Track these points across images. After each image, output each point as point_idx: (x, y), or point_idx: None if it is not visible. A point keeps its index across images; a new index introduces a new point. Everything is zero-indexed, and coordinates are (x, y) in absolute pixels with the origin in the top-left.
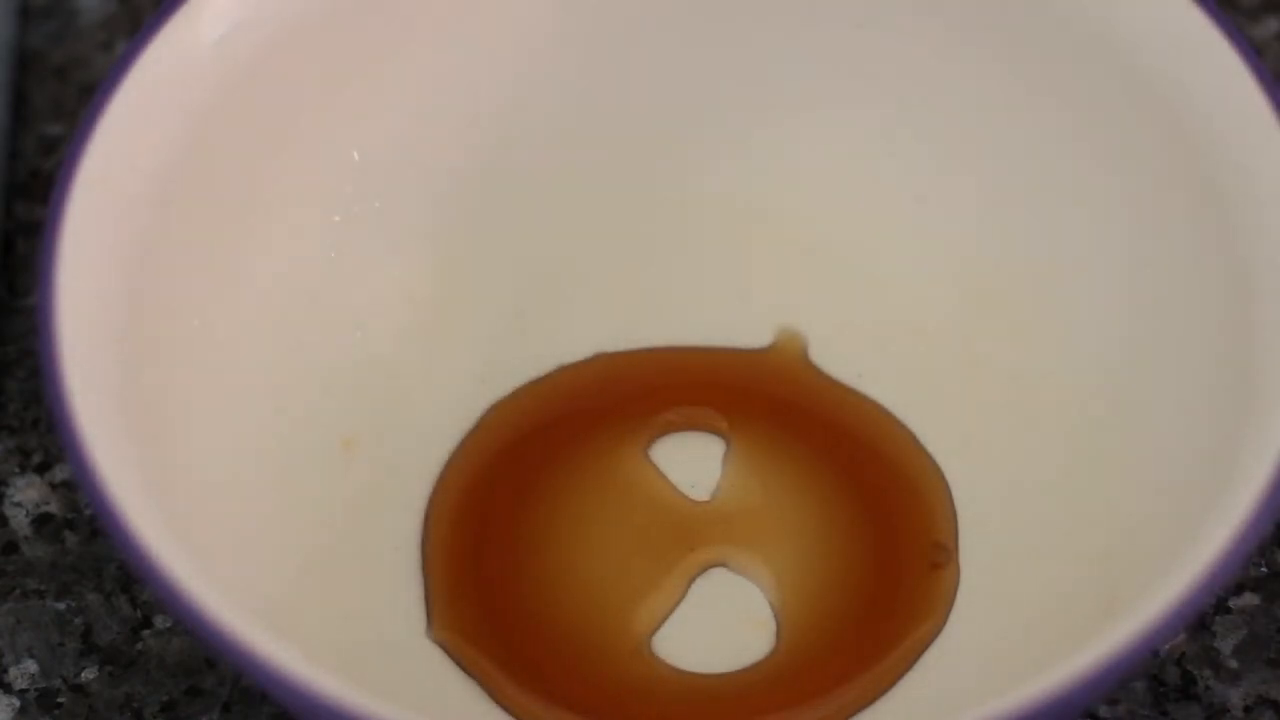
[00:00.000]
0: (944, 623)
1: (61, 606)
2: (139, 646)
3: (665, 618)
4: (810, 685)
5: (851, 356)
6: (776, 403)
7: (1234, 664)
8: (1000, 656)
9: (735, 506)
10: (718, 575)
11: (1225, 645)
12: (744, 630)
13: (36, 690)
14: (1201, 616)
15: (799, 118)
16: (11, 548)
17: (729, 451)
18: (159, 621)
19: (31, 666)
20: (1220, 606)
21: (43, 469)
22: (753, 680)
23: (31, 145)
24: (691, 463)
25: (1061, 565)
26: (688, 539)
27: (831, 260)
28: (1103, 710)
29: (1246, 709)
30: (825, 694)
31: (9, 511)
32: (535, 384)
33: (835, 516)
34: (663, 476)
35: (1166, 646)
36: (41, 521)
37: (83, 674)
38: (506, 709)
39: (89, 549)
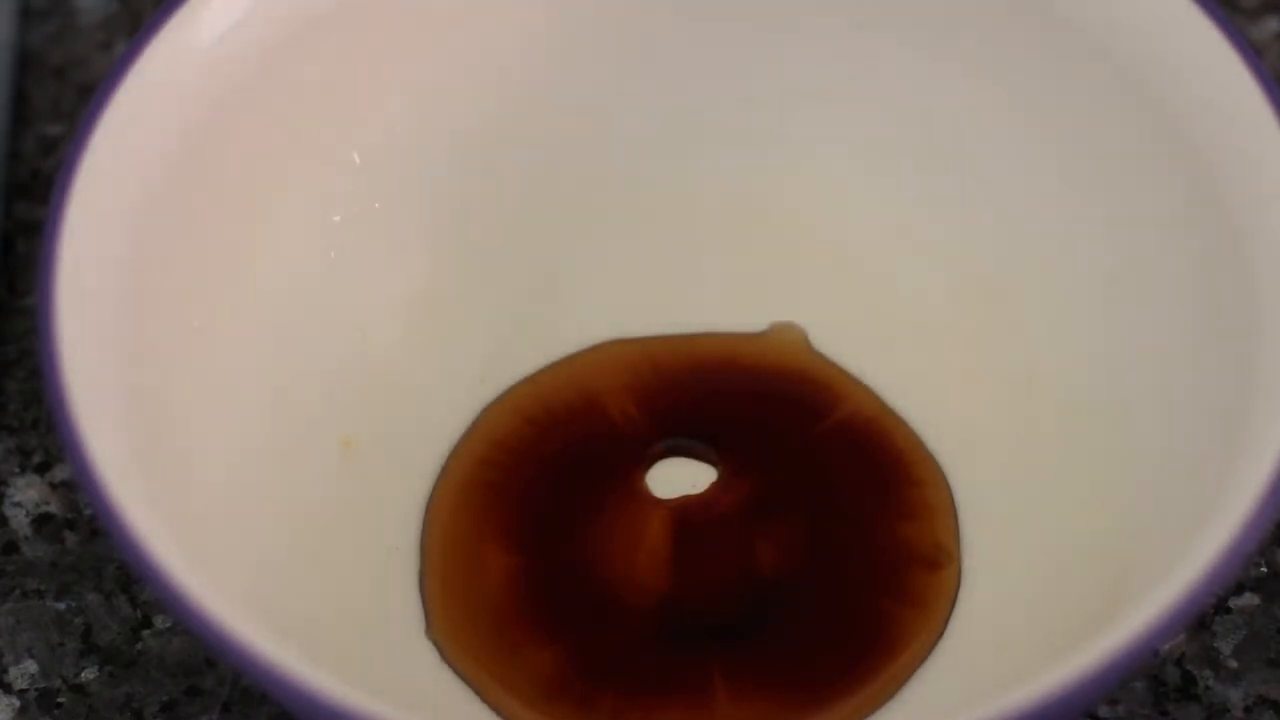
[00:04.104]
0: (945, 624)
1: (61, 606)
2: (139, 646)
3: (669, 618)
4: (813, 689)
5: (851, 355)
6: (776, 392)
7: (1234, 664)
8: (1001, 657)
9: (735, 505)
10: (718, 576)
11: (1225, 645)
12: (744, 634)
13: (36, 690)
14: (1201, 616)
15: (799, 117)
16: (11, 548)
17: (727, 447)
18: (159, 621)
19: (31, 666)
20: (1220, 606)
21: (43, 469)
22: (754, 685)
23: (31, 145)
24: (691, 460)
25: (1061, 565)
26: (689, 538)
27: (831, 258)
28: (1103, 710)
29: (1246, 709)
30: (829, 700)
31: (9, 511)
32: (534, 383)
33: (835, 516)
34: (662, 474)
35: (1166, 646)
36: (41, 521)
37: (83, 674)
38: (501, 712)
39: (89, 549)
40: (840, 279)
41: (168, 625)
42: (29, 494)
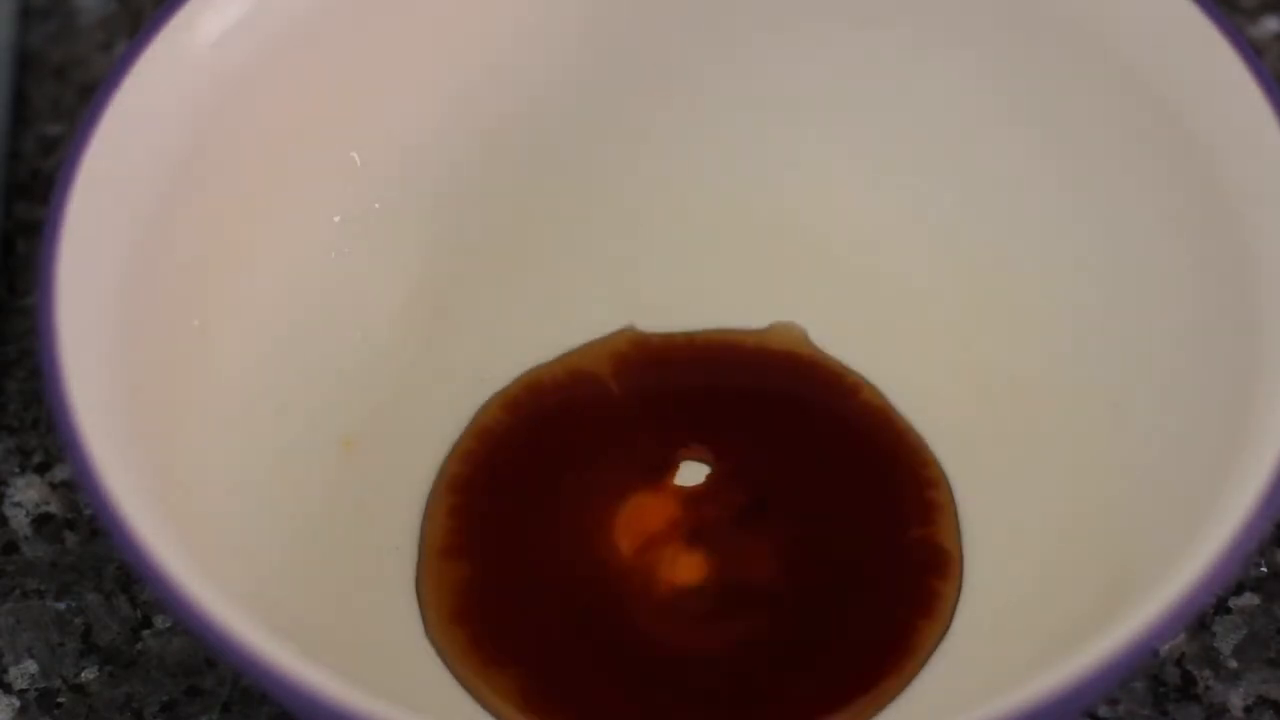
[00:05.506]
0: (948, 626)
1: (61, 606)
2: (139, 646)
3: (669, 618)
4: (816, 691)
5: (851, 354)
6: (778, 391)
7: (1234, 664)
8: (1001, 657)
9: (738, 505)
10: (719, 576)
11: (1225, 645)
12: (745, 635)
13: (36, 690)
14: (1201, 616)
15: (799, 116)
16: (11, 548)
17: (729, 447)
18: (159, 621)
19: (31, 666)
20: (1220, 606)
21: (43, 469)
22: (756, 689)
23: (31, 145)
24: (693, 461)
25: (1061, 565)
26: (690, 538)
27: (831, 258)
28: (1103, 710)
29: (1246, 709)
30: (832, 701)
31: (9, 511)
32: (532, 382)
33: (838, 517)
34: (664, 474)
35: (1166, 646)
36: (41, 521)
37: (83, 674)
38: (498, 713)
39: (89, 549)
40: (840, 279)
41: (168, 625)
42: (29, 494)
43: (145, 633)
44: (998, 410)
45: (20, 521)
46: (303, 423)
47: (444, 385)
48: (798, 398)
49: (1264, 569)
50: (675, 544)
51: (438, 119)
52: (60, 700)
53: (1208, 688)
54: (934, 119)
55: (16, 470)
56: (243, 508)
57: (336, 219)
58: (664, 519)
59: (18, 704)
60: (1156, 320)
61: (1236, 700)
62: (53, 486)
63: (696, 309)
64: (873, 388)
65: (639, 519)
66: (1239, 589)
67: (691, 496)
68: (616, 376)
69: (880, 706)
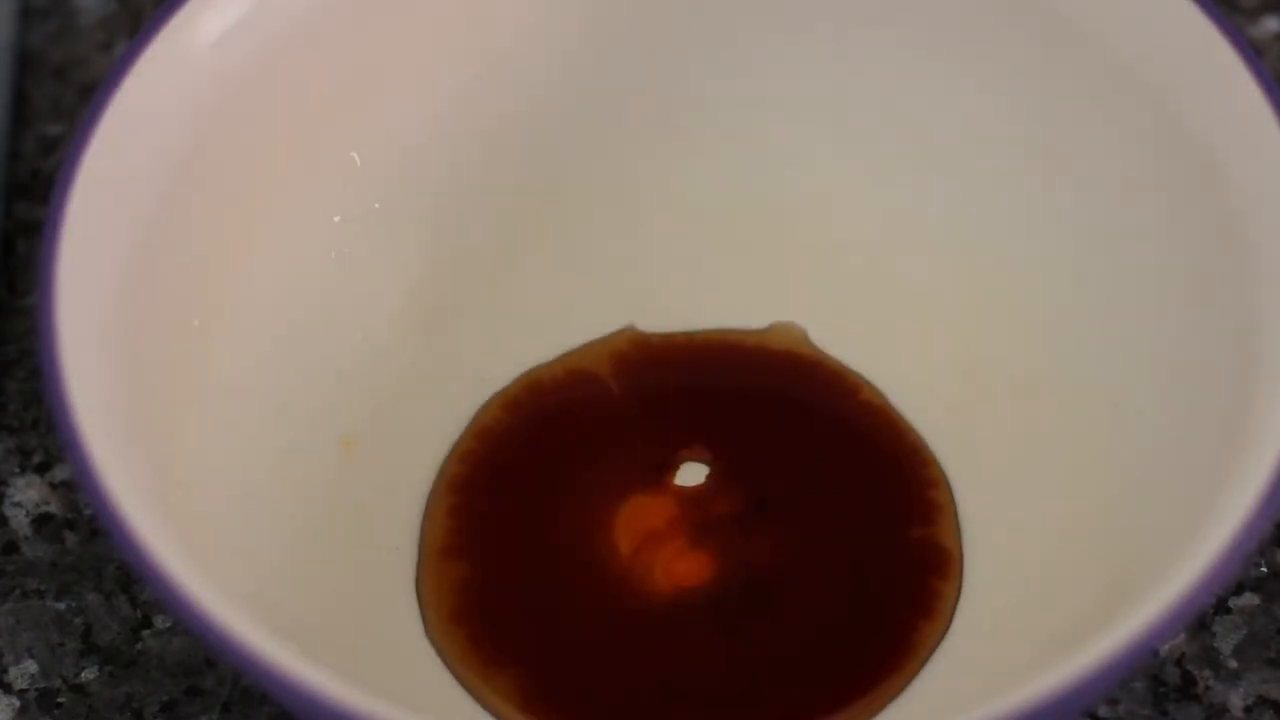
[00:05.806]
0: (948, 626)
1: (61, 606)
2: (139, 646)
3: (669, 618)
4: (818, 691)
5: (851, 354)
6: (778, 391)
7: (1234, 664)
8: (1001, 657)
9: (738, 505)
10: (719, 576)
11: (1225, 645)
12: (745, 635)
13: (36, 690)
14: (1201, 616)
15: (799, 116)
16: (11, 548)
17: (729, 446)
18: (159, 621)
19: (31, 666)
20: (1220, 606)
21: (43, 469)
22: (756, 689)
23: (31, 145)
24: (693, 462)
25: (1061, 565)
26: (690, 538)
27: (831, 258)
28: (1103, 710)
29: (1246, 709)
30: (833, 701)
31: (9, 511)
32: (532, 382)
33: (840, 517)
34: (664, 474)
35: (1166, 646)
36: (41, 521)
37: (83, 674)
38: (498, 713)
39: (89, 549)
40: (840, 279)
41: (168, 625)
42: (29, 494)
43: (145, 633)
44: (998, 410)
45: (20, 521)
46: (303, 423)
47: (444, 385)
48: (798, 398)
49: (1264, 569)
50: (675, 544)
51: (438, 119)
52: (60, 700)
53: (1208, 688)
54: (934, 118)
55: (16, 470)
56: (243, 508)
57: (336, 219)
58: (664, 519)
59: (18, 704)
60: (1156, 320)
61: (1236, 700)
62: (53, 486)
63: (696, 309)
64: (873, 388)
65: (639, 519)
66: (1239, 589)
67: (691, 496)
68: (616, 376)
69: (880, 707)
